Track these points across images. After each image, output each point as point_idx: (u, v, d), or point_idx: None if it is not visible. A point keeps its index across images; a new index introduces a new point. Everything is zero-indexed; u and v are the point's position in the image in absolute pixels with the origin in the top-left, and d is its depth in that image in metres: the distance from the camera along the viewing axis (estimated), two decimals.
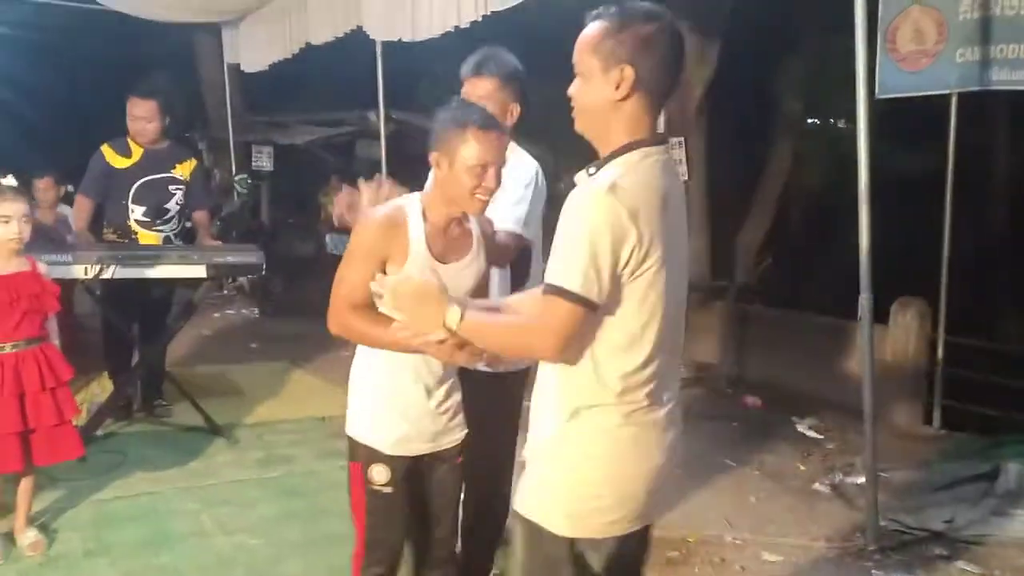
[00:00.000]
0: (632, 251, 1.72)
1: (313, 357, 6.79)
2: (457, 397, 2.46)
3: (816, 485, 4.55)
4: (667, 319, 1.82)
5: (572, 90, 1.88)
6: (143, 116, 5.03)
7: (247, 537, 3.75)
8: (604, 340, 1.79)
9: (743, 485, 4.53)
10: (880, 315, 4.46)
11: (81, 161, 5.21)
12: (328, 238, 8.97)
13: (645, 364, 1.81)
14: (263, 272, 5.26)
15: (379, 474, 2.37)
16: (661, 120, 7.04)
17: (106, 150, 5.07)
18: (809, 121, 9.18)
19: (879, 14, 5.28)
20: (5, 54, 10.54)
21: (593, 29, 1.83)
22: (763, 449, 5.08)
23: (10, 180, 3.49)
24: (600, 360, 1.80)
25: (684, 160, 7.04)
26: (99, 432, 4.78)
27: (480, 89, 2.75)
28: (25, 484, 3.57)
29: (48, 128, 11.13)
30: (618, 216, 1.70)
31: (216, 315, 8.67)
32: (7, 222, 3.37)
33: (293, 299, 8.95)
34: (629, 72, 1.77)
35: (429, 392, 2.37)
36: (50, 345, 3.56)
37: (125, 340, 5.12)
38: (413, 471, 2.42)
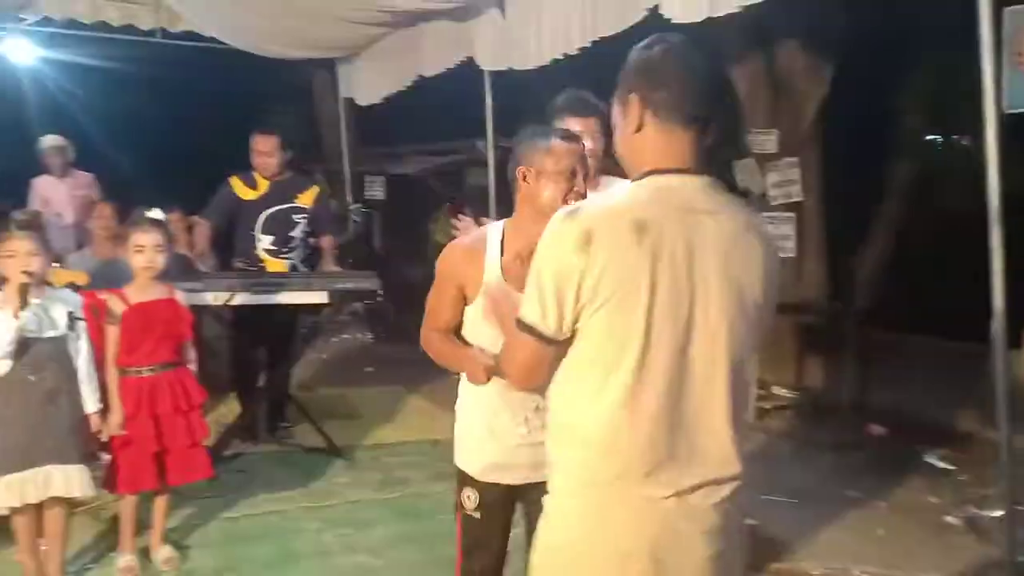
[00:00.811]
0: (581, 279, 1.56)
1: (424, 381, 6.85)
2: None
3: (948, 518, 4.34)
4: (661, 375, 1.57)
5: None
6: (265, 151, 5.27)
7: (368, 557, 3.83)
8: (567, 384, 1.66)
9: (870, 518, 4.35)
10: (1013, 339, 4.24)
11: (204, 193, 5.48)
12: None
13: (617, 425, 1.58)
14: (379, 297, 5.39)
15: (469, 499, 2.41)
16: (774, 140, 6.80)
17: (235, 182, 5.32)
18: (931, 138, 8.82)
19: (1003, 25, 5.05)
20: (132, 92, 11.14)
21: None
22: (890, 480, 4.86)
23: (156, 213, 3.71)
24: (565, 407, 1.66)
25: (798, 180, 6.91)
26: (227, 452, 4.97)
27: (583, 126, 2.78)
28: (160, 502, 3.75)
29: (172, 163, 11.69)
30: (565, 240, 1.58)
31: (333, 339, 8.91)
32: (140, 251, 3.56)
33: (404, 324, 9.13)
34: (635, 99, 1.69)
35: (525, 421, 2.34)
36: (185, 370, 3.74)
37: (253, 364, 5.33)
38: (508, 500, 2.41)
